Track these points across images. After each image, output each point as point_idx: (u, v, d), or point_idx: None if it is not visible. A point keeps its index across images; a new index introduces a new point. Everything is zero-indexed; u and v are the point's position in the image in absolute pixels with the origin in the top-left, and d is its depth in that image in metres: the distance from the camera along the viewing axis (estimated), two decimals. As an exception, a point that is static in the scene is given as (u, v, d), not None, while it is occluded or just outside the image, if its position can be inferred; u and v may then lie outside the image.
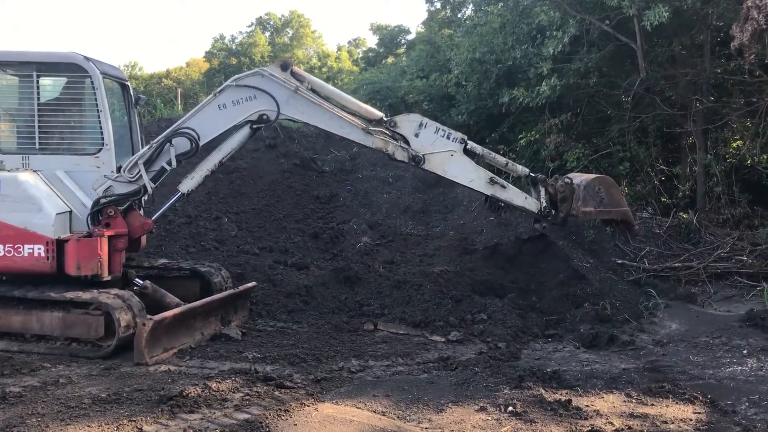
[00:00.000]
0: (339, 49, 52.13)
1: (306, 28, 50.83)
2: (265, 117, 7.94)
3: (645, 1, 12.30)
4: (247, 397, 5.71)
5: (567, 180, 8.74)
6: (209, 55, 48.25)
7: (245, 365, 6.71)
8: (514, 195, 8.70)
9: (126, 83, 8.63)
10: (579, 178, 8.82)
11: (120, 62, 55.15)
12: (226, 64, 46.39)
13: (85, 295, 7.10)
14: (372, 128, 8.22)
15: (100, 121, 7.82)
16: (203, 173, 8.05)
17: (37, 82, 7.80)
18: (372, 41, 48.23)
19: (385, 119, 8.32)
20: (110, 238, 7.61)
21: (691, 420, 5.54)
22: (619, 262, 11.47)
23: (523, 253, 11.00)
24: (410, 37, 34.40)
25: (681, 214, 13.46)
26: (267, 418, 5.20)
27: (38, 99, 7.81)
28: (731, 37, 11.27)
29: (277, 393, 5.87)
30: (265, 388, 5.99)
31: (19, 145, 7.91)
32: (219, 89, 8.02)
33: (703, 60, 13.95)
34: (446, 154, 8.39)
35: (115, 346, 6.93)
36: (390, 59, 32.55)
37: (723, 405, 5.90)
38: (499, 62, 15.72)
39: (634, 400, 6.02)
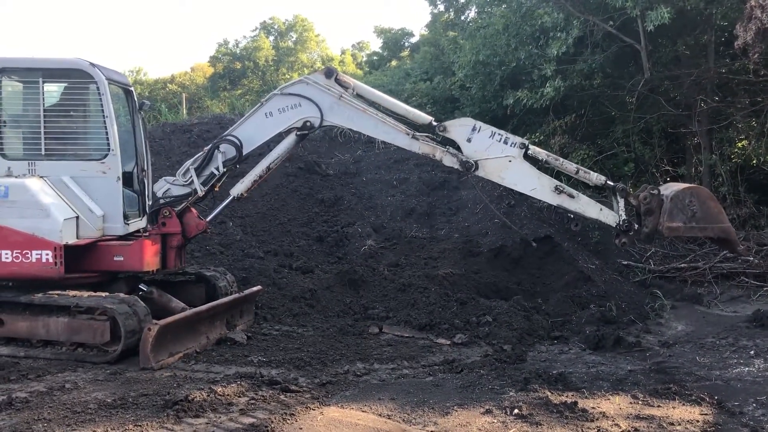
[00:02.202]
0: (343, 52, 52.18)
1: (310, 32, 50.79)
2: (309, 124, 8.08)
3: (648, 2, 12.29)
4: (253, 401, 5.71)
5: (653, 191, 7.83)
6: (214, 60, 48.26)
7: (251, 369, 6.71)
8: (585, 206, 7.94)
9: (130, 89, 8.65)
10: (669, 188, 7.94)
11: (125, 67, 55.30)
12: (231, 69, 46.39)
13: (90, 301, 7.13)
14: (418, 134, 8.03)
15: (106, 126, 7.88)
16: (252, 178, 8.31)
17: (43, 88, 7.84)
18: (376, 45, 48.27)
19: (435, 123, 8.08)
20: (165, 236, 8.13)
21: (698, 421, 5.51)
22: (625, 263, 11.47)
23: (528, 255, 11.02)
24: (414, 40, 34.41)
25: (686, 214, 13.41)
26: (272, 422, 5.19)
27: (44, 105, 7.84)
28: (735, 36, 11.26)
29: (282, 397, 5.87)
30: (271, 392, 5.98)
31: (25, 151, 7.93)
32: (266, 98, 8.27)
33: (707, 60, 13.93)
34: (503, 159, 7.86)
35: (121, 351, 6.94)
36: (394, 62, 32.56)
37: (730, 406, 5.88)
38: (502, 64, 15.71)
39: (640, 402, 6.00)
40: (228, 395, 5.77)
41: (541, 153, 8.02)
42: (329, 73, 8.08)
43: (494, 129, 7.95)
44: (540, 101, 14.23)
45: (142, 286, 8.10)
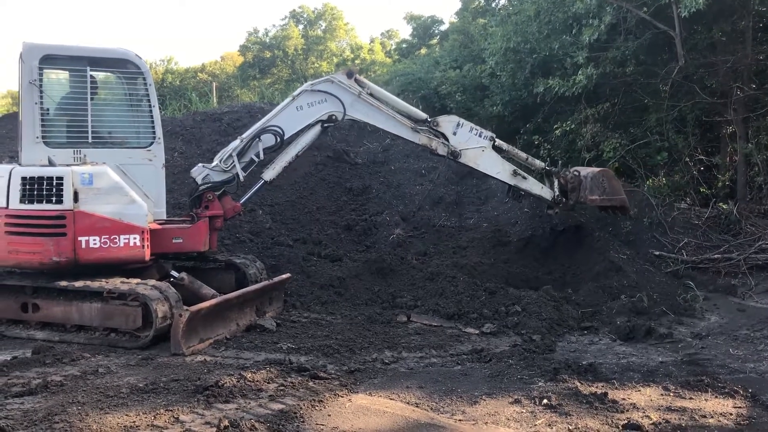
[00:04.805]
0: (372, 41, 52.09)
1: (339, 20, 50.82)
2: (333, 117, 9.07)
3: (683, -13, 12.02)
4: (282, 388, 5.75)
5: (576, 172, 10.10)
6: (243, 49, 48.56)
7: (280, 356, 6.76)
8: (532, 185, 9.92)
9: None
10: (585, 170, 10.20)
11: (156, 57, 55.89)
12: (261, 58, 46.63)
13: (123, 286, 7.23)
14: (419, 127, 9.37)
15: (152, 115, 8.25)
16: (282, 164, 9.08)
17: (90, 77, 7.98)
18: (405, 32, 48.03)
19: (429, 119, 9.45)
20: (209, 218, 8.57)
21: (731, 414, 5.43)
22: (657, 253, 11.30)
23: (558, 244, 10.93)
24: (444, 27, 34.22)
25: (720, 204, 13.18)
26: (301, 408, 5.23)
27: (90, 93, 7.98)
28: (773, 22, 10.96)
29: (311, 383, 5.90)
30: (300, 378, 6.02)
31: (69, 139, 8.06)
32: (296, 93, 9.11)
33: (744, 46, 13.59)
34: (478, 149, 9.58)
35: (153, 336, 7.04)
36: (423, 50, 32.41)
37: (764, 399, 5.77)
38: (534, 52, 15.52)
39: (671, 394, 5.92)
40: (257, 381, 5.82)
41: (503, 144, 9.83)
42: (350, 74, 9.17)
43: (472, 125, 9.66)
44: (572, 89, 14.03)
45: (174, 273, 8.22)
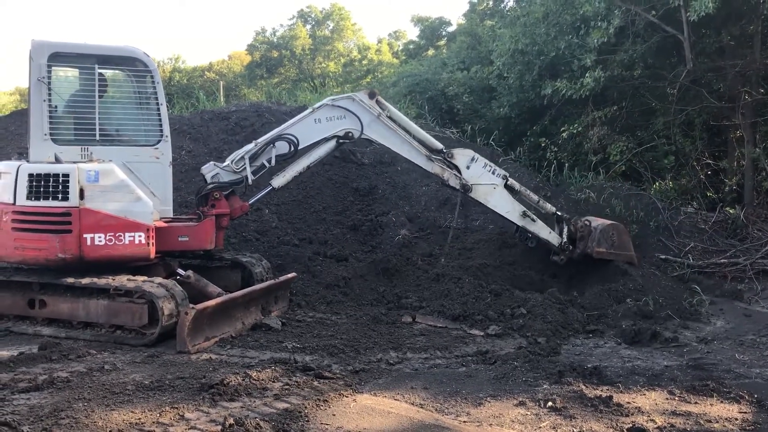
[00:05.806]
0: (379, 41, 52.04)
1: (347, 20, 50.79)
2: (350, 134, 9.10)
3: (692, -9, 12.00)
4: (287, 387, 5.76)
5: (586, 222, 10.02)
6: (251, 48, 48.60)
7: (285, 355, 6.77)
8: (540, 229, 9.85)
9: None
10: (596, 221, 10.12)
11: (164, 55, 56.05)
12: (268, 57, 46.68)
13: (129, 284, 7.25)
14: (434, 156, 9.42)
15: (159, 113, 8.28)
16: (293, 173, 9.13)
17: (99, 74, 8.02)
18: (412, 33, 47.97)
19: (444, 150, 9.48)
20: (216, 217, 8.59)
21: (736, 419, 5.41)
22: (663, 257, 11.29)
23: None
24: (451, 29, 34.21)
25: (727, 209, 13.16)
26: (306, 407, 5.24)
27: (99, 91, 8.01)
28: (783, 26, 10.93)
29: (315, 383, 5.91)
30: (304, 377, 6.03)
31: (77, 136, 8.09)
32: (317, 106, 9.20)
33: (753, 51, 13.57)
34: (490, 186, 9.58)
35: (159, 334, 7.05)
36: (431, 51, 32.41)
37: (770, 405, 5.76)
38: (541, 54, 15.51)
39: (677, 398, 5.91)
40: (262, 380, 5.83)
41: (515, 184, 9.85)
42: (372, 94, 9.25)
43: (486, 161, 9.65)
44: (579, 92, 14.02)
45: (180, 271, 8.24)
